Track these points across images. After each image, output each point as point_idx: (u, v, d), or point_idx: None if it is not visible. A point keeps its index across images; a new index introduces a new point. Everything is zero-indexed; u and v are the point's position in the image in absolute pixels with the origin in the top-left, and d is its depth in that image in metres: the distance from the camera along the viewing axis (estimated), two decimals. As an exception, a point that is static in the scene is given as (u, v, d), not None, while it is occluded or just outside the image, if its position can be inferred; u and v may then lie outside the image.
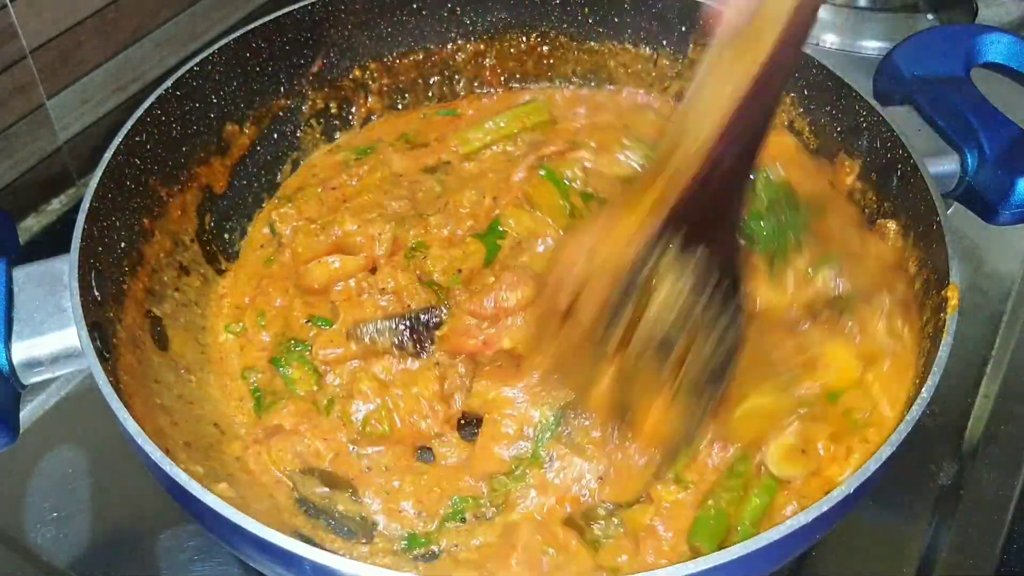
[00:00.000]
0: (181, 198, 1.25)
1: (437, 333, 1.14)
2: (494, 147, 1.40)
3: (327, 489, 1.05)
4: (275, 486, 1.07)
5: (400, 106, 1.49)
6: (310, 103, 1.42)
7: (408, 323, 1.13)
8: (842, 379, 1.09)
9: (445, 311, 1.15)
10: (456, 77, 1.51)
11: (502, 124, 1.41)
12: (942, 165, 1.18)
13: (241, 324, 1.22)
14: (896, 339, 1.09)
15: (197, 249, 1.26)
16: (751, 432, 1.05)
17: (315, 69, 1.40)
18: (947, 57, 1.28)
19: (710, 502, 1.00)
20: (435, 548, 1.03)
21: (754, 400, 1.05)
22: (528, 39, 1.49)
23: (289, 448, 1.08)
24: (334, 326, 1.17)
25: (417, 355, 1.13)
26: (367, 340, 1.13)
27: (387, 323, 1.14)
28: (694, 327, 0.91)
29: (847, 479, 0.87)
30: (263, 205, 1.37)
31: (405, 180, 1.34)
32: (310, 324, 1.19)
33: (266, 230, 1.33)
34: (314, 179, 1.38)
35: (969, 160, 1.18)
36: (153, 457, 0.87)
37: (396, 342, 1.13)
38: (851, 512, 0.91)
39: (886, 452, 0.89)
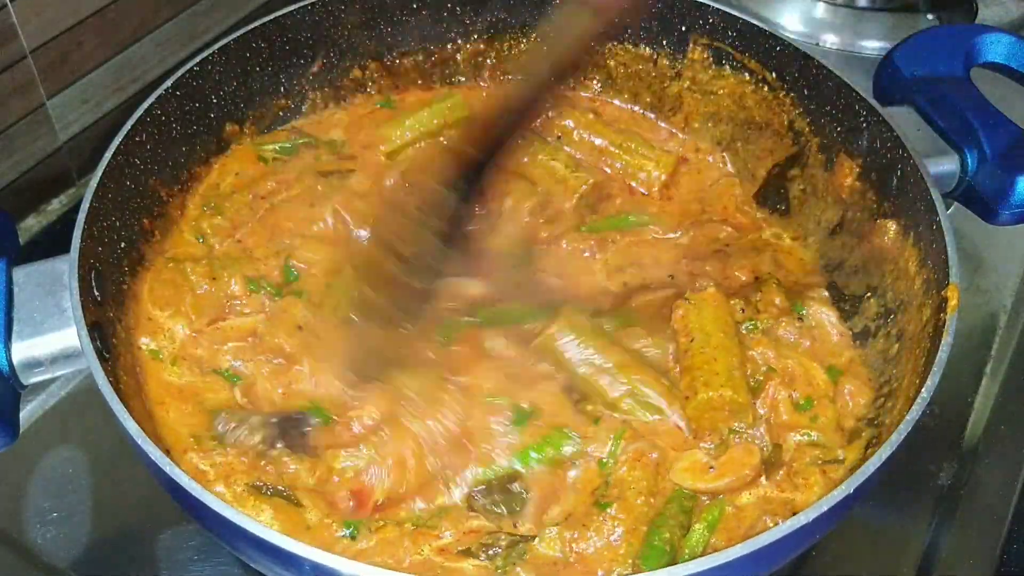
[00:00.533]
0: (181, 198, 1.25)
1: (310, 442, 1.06)
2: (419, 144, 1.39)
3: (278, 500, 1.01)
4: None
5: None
6: (310, 103, 1.42)
7: (278, 423, 1.06)
8: (811, 388, 1.11)
9: (317, 420, 1.07)
10: (456, 78, 1.51)
11: (424, 120, 1.40)
12: (942, 165, 1.18)
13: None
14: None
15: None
16: (707, 422, 1.06)
17: (315, 69, 1.40)
18: (947, 57, 1.28)
19: (667, 534, 0.99)
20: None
21: (715, 391, 1.06)
22: (528, 39, 1.49)
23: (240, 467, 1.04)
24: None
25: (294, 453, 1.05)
26: (231, 440, 1.03)
27: (258, 419, 1.05)
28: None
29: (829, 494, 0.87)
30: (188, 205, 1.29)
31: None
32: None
33: (196, 238, 1.25)
34: (239, 179, 1.31)
35: (969, 160, 1.18)
36: (153, 457, 0.87)
37: (267, 439, 1.04)
38: (851, 512, 0.91)
39: (886, 452, 0.89)
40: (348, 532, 0.99)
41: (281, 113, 1.39)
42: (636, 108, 1.49)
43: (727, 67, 1.39)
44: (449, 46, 1.47)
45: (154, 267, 1.18)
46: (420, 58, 1.47)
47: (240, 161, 1.33)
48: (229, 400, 1.10)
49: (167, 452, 0.89)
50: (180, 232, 1.25)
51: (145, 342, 1.12)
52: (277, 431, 1.06)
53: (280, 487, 1.02)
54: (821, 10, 1.85)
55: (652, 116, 1.48)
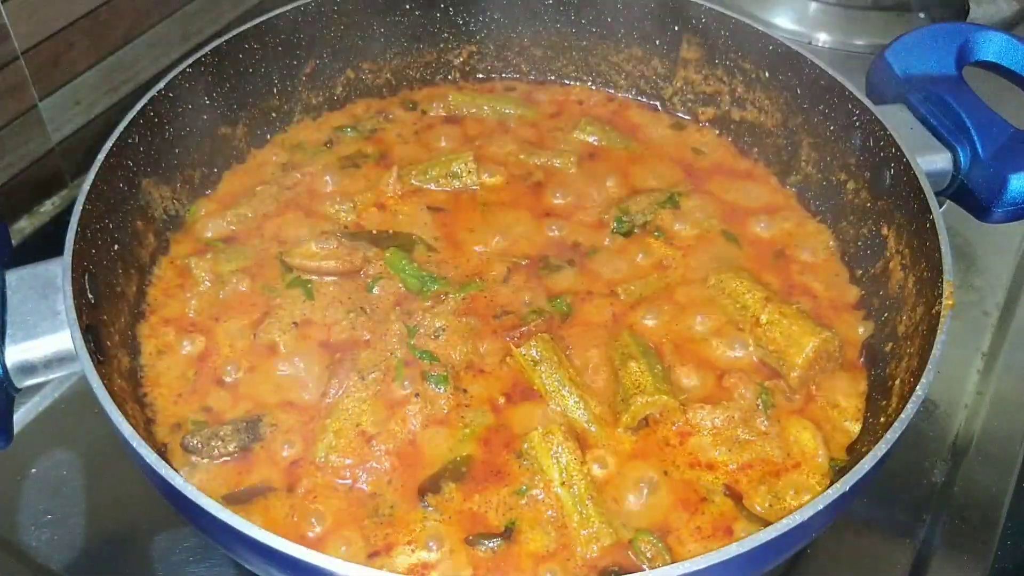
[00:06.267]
0: (175, 200, 1.25)
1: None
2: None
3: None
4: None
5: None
6: (303, 104, 1.42)
7: (247, 427, 1.06)
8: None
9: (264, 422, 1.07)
10: (450, 77, 1.51)
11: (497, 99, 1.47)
12: (935, 163, 1.18)
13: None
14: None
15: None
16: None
17: (308, 70, 1.40)
18: (939, 55, 1.28)
19: None
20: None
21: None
22: (521, 39, 1.49)
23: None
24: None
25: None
26: (204, 451, 1.03)
27: (227, 427, 1.05)
28: None
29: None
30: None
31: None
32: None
33: (209, 233, 1.26)
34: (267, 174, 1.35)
35: (962, 158, 1.18)
36: (147, 460, 0.86)
37: (241, 444, 1.05)
38: (847, 509, 0.91)
39: (881, 450, 0.89)
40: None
41: (274, 114, 1.39)
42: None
43: (720, 67, 1.39)
44: (442, 46, 1.48)
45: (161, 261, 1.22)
46: (413, 59, 1.47)
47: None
48: (223, 398, 1.11)
49: (162, 454, 0.89)
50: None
51: (147, 338, 1.14)
52: (249, 437, 1.06)
53: (260, 486, 1.02)
54: (814, 9, 1.85)
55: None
